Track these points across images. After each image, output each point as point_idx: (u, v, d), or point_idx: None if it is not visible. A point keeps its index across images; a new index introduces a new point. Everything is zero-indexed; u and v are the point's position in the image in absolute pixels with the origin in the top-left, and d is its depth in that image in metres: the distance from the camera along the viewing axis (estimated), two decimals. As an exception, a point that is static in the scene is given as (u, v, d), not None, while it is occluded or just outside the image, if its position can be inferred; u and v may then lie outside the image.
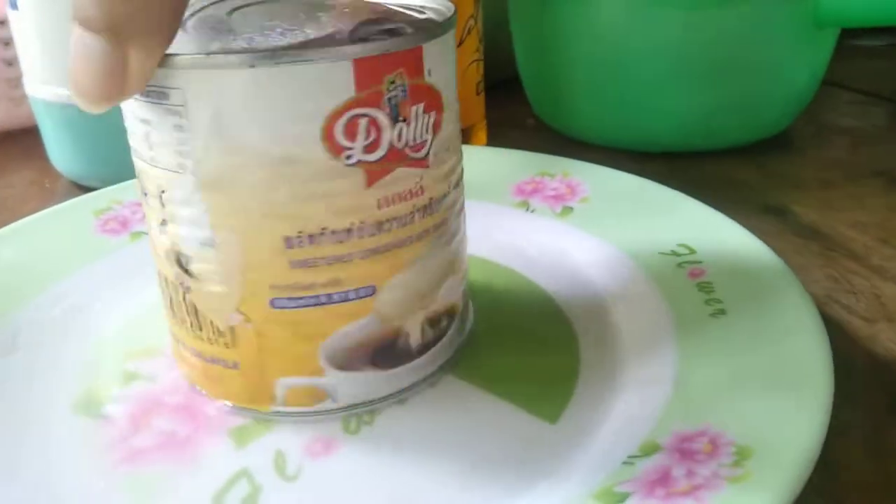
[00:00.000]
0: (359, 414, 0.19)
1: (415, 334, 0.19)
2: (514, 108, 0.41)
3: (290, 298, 0.17)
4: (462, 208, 0.20)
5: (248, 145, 0.16)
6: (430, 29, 0.17)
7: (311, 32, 0.17)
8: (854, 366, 0.22)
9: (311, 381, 0.18)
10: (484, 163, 0.30)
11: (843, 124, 0.40)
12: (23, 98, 0.45)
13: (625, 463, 0.16)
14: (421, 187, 0.18)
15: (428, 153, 0.18)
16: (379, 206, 0.17)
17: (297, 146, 0.16)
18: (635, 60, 0.34)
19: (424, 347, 0.19)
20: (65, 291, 0.25)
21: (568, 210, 0.27)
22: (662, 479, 0.15)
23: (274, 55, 0.16)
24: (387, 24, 0.17)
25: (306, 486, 0.17)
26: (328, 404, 0.19)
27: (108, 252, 0.27)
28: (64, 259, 0.26)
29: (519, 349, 0.21)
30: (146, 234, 0.27)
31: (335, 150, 0.16)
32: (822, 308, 0.24)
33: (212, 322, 0.18)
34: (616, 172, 0.28)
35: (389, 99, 0.16)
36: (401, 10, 0.18)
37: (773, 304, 0.20)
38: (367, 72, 0.16)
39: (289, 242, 0.17)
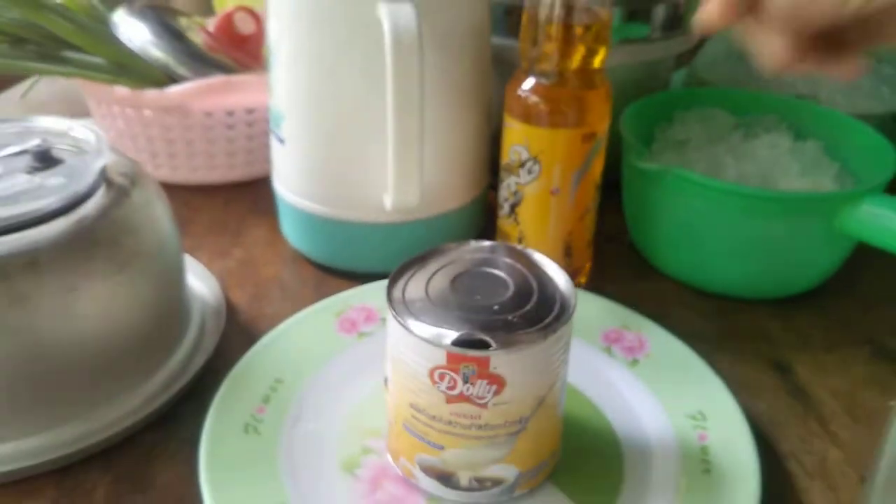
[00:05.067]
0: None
1: (463, 481, 0.34)
2: (618, 222, 0.55)
3: (406, 426, 0.34)
4: (511, 440, 0.32)
5: (406, 360, 0.32)
6: (507, 346, 0.30)
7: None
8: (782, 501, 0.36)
9: (414, 472, 0.34)
10: (582, 306, 0.44)
11: (866, 288, 0.52)
12: (259, 148, 0.61)
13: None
14: (480, 415, 0.32)
15: (488, 403, 0.31)
16: (450, 416, 0.32)
17: (419, 377, 0.32)
18: (704, 234, 0.48)
19: (470, 490, 0.34)
20: (322, 375, 0.41)
21: (636, 362, 0.42)
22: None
23: (404, 321, 0.31)
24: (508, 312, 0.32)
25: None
26: (430, 487, 0.35)
27: (344, 347, 0.43)
28: (317, 350, 0.42)
29: (586, 462, 0.36)
30: (370, 334, 0.44)
31: (433, 381, 0.31)
32: (782, 461, 0.38)
33: None
34: (671, 338, 0.43)
35: (464, 374, 0.31)
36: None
37: (740, 470, 0.35)
38: (452, 357, 0.30)
39: (411, 406, 0.33)
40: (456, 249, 0.36)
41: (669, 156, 0.53)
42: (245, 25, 0.67)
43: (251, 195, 0.61)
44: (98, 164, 0.39)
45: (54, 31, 0.56)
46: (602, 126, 0.45)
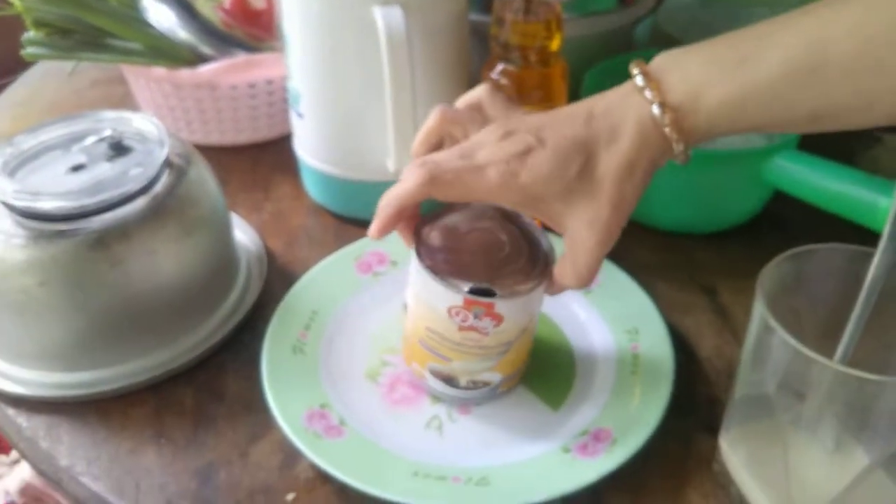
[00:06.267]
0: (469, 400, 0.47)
1: (462, 383, 0.45)
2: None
3: (421, 342, 0.44)
4: (500, 355, 0.43)
5: (429, 297, 0.42)
6: (507, 296, 0.40)
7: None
8: (697, 395, 0.48)
9: (425, 375, 0.46)
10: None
11: (790, 224, 0.62)
12: (278, 113, 0.71)
13: (578, 435, 0.44)
14: (482, 340, 0.42)
15: (489, 332, 0.41)
16: (460, 339, 0.43)
17: (439, 311, 0.42)
18: (651, 182, 0.59)
19: (468, 388, 0.45)
20: (347, 307, 0.53)
21: (589, 291, 0.54)
22: (588, 444, 0.43)
23: (423, 270, 0.41)
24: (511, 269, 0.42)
25: (464, 426, 0.46)
26: (437, 386, 0.46)
27: (362, 285, 0.55)
28: (342, 288, 0.54)
29: (548, 368, 0.49)
30: (383, 273, 0.55)
31: (450, 316, 0.42)
32: (700, 363, 0.50)
33: None
34: (618, 271, 0.54)
35: (475, 312, 0.41)
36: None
37: (660, 371, 0.47)
38: (468, 302, 0.41)
39: (427, 329, 0.44)
40: (464, 209, 0.45)
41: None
42: (257, 1, 0.76)
43: (274, 154, 0.72)
44: (163, 153, 0.49)
45: (95, 23, 0.66)
46: (561, 101, 0.55)
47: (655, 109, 0.38)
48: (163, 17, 0.70)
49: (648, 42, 0.78)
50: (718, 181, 0.58)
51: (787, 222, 0.61)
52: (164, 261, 0.48)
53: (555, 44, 0.54)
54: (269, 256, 0.60)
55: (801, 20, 0.36)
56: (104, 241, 0.46)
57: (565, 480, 0.41)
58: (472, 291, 0.41)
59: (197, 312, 0.52)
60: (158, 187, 0.49)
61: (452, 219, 0.45)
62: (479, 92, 0.45)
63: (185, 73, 0.67)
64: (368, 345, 0.51)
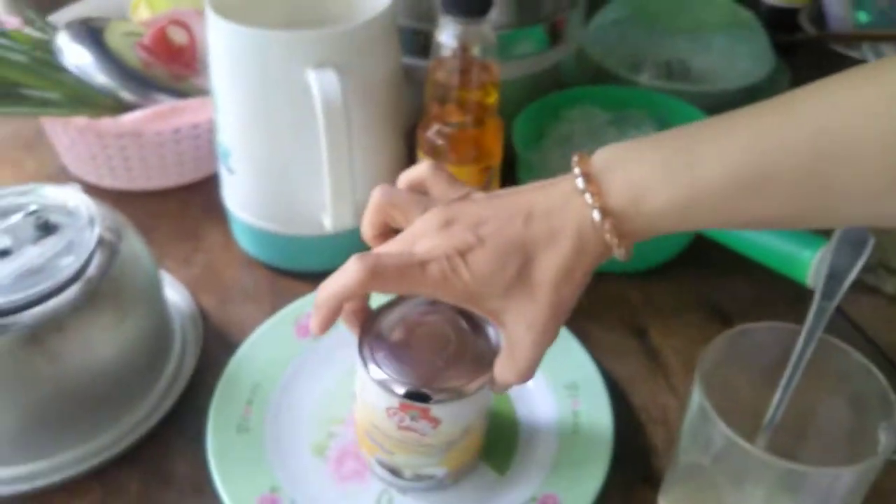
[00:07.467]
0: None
1: (407, 474, 0.45)
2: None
3: (367, 434, 0.45)
4: (443, 453, 0.43)
5: (369, 397, 0.42)
6: (443, 400, 0.40)
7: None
8: (633, 446, 0.51)
9: (372, 463, 0.46)
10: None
11: (712, 261, 0.65)
12: (205, 156, 0.70)
13: (526, 502, 0.46)
14: (421, 440, 0.42)
15: (428, 433, 0.41)
16: (400, 437, 0.42)
17: (378, 410, 0.41)
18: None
19: (411, 480, 0.45)
20: (288, 376, 0.53)
21: (528, 344, 0.55)
22: (535, 515, 0.45)
23: (369, 370, 0.41)
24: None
25: (415, 498, 0.47)
26: (383, 475, 0.47)
27: (302, 349, 0.55)
28: (282, 355, 0.54)
29: (492, 431, 0.50)
30: (322, 336, 0.55)
31: (388, 415, 0.41)
32: (635, 412, 0.53)
33: None
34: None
35: (410, 415, 0.40)
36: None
37: (600, 429, 0.49)
38: (403, 405, 0.40)
39: (371, 424, 0.44)
40: (418, 299, 0.44)
41: (556, 151, 0.65)
42: (178, 37, 0.74)
43: (202, 196, 0.70)
44: (94, 234, 0.48)
45: (9, 77, 0.63)
46: (496, 160, 0.56)
47: (595, 215, 0.37)
48: (78, 59, 0.67)
49: (575, 70, 0.79)
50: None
51: (709, 258, 0.63)
52: (101, 348, 0.47)
53: (491, 101, 0.55)
54: (203, 316, 0.59)
55: (751, 124, 0.35)
56: (38, 336, 0.45)
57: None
58: (407, 396, 0.40)
59: (135, 390, 0.51)
60: (91, 270, 0.48)
61: (404, 310, 0.43)
62: (422, 170, 0.43)
63: (107, 123, 0.65)
64: (313, 416, 0.51)
